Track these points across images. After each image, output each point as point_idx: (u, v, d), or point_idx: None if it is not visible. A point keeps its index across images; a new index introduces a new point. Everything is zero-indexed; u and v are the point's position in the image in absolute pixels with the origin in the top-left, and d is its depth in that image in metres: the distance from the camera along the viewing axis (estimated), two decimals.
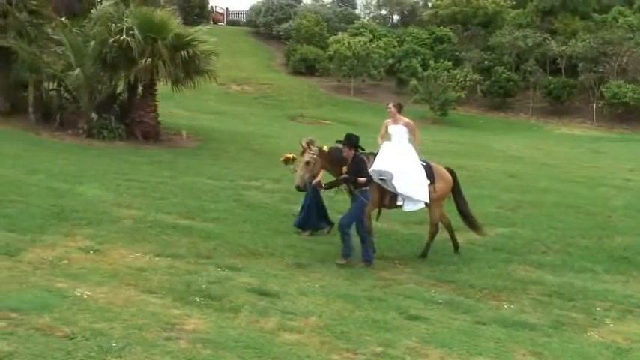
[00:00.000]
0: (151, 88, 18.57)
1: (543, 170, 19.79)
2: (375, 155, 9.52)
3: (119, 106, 19.24)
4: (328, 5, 47.68)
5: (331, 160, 9.06)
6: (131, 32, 17.13)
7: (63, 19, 18.81)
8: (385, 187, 9.26)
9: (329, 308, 6.82)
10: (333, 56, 34.94)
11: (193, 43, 17.98)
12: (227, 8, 51.77)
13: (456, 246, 10.03)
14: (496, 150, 23.55)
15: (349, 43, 33.97)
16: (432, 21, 42.67)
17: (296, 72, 37.21)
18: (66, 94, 19.34)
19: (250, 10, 48.17)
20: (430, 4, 48.52)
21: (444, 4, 41.65)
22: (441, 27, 39.93)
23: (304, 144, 9.72)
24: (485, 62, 35.78)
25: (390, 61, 35.88)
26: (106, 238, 8.42)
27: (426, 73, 32.38)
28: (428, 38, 38.81)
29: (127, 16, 17.77)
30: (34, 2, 18.85)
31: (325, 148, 9.17)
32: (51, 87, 19.76)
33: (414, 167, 9.50)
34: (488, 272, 9.18)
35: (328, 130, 22.54)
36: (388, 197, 9.41)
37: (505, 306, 7.83)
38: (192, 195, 11.98)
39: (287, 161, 10.49)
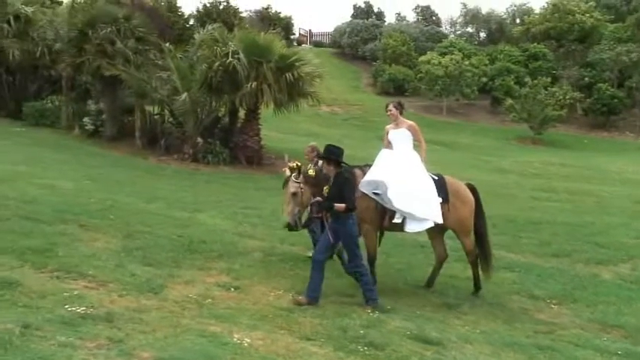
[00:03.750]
0: (254, 112, 18.41)
1: None
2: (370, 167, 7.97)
3: (221, 130, 19.17)
4: (414, 24, 47.06)
5: (319, 184, 7.36)
6: (236, 55, 17.01)
7: (167, 44, 19.03)
8: (381, 202, 7.63)
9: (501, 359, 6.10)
10: (423, 76, 34.13)
11: (297, 64, 17.68)
12: (310, 30, 52.09)
13: (430, 284, 8.40)
14: (611, 172, 22.05)
15: (440, 62, 33.09)
16: (522, 37, 41.27)
17: (384, 92, 36.56)
18: (170, 119, 19.48)
19: (334, 31, 48.18)
20: (519, 20, 47.11)
21: (537, 20, 40.21)
22: (535, 43, 38.45)
23: (307, 152, 8.73)
24: (586, 79, 34.00)
25: (484, 79, 34.71)
26: (242, 273, 7.99)
27: (524, 92, 31.00)
28: (521, 55, 37.43)
29: (232, 39, 17.73)
30: (141, 29, 19.13)
31: (311, 172, 7.64)
32: (154, 112, 19.98)
33: (418, 178, 7.79)
34: None
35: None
36: (388, 216, 7.76)
37: None
38: None
39: (292, 171, 8.32)
